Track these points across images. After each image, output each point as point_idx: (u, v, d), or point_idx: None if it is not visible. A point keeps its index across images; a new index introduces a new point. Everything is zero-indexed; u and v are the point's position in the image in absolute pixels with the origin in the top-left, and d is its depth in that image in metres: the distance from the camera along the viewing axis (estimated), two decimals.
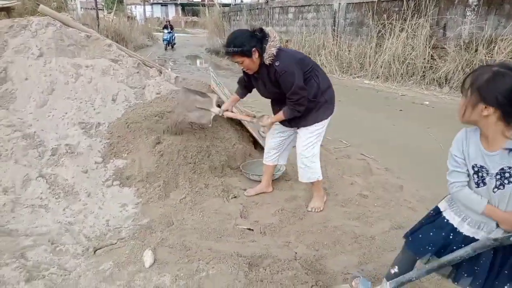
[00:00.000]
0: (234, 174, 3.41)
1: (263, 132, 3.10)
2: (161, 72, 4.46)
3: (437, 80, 7.65)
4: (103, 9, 30.48)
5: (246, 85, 2.94)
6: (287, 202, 3.00)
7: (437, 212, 1.57)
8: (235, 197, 3.03)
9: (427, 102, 6.80)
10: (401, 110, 6.33)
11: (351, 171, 3.67)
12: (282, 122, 2.85)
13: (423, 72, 8.00)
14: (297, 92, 2.52)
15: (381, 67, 8.76)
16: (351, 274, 2.04)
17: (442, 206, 1.56)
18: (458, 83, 7.14)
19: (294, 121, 2.77)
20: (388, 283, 1.63)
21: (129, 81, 4.02)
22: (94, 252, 2.23)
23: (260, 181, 3.20)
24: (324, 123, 2.78)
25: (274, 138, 3.00)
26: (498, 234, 1.35)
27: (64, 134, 3.14)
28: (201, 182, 3.11)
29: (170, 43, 18.09)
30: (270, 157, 3.08)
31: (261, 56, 2.52)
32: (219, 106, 3.26)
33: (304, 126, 2.75)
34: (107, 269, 2.03)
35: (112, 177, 2.94)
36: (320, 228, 2.60)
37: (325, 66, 9.84)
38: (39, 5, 4.78)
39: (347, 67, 9.81)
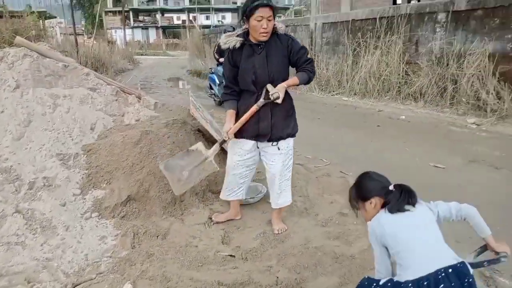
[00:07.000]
0: (216, 198, 3.41)
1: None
2: (140, 99, 4.48)
3: (412, 95, 7.88)
4: (83, 34, 30.36)
5: (234, 94, 2.69)
6: (268, 225, 3.01)
7: None
8: (217, 222, 3.03)
9: (403, 117, 7.00)
10: (378, 126, 6.49)
11: (330, 189, 3.72)
12: (260, 138, 2.59)
13: (399, 87, 8.25)
14: (308, 55, 2.61)
15: (358, 83, 8.99)
16: None
17: None
18: (432, 97, 7.40)
19: (276, 130, 2.56)
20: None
21: (107, 109, 4.02)
22: None
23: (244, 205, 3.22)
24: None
25: (238, 167, 2.79)
26: None
27: (41, 167, 3.11)
28: (182, 209, 3.10)
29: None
30: (235, 192, 2.91)
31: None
32: (213, 143, 3.04)
33: (289, 135, 2.65)
34: None
35: (90, 208, 2.91)
36: (301, 250, 2.62)
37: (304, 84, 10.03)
38: (15, 36, 4.79)
39: (325, 85, 10.03)
